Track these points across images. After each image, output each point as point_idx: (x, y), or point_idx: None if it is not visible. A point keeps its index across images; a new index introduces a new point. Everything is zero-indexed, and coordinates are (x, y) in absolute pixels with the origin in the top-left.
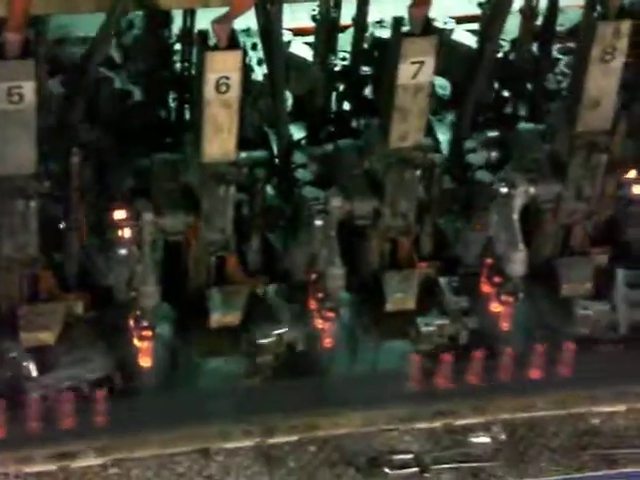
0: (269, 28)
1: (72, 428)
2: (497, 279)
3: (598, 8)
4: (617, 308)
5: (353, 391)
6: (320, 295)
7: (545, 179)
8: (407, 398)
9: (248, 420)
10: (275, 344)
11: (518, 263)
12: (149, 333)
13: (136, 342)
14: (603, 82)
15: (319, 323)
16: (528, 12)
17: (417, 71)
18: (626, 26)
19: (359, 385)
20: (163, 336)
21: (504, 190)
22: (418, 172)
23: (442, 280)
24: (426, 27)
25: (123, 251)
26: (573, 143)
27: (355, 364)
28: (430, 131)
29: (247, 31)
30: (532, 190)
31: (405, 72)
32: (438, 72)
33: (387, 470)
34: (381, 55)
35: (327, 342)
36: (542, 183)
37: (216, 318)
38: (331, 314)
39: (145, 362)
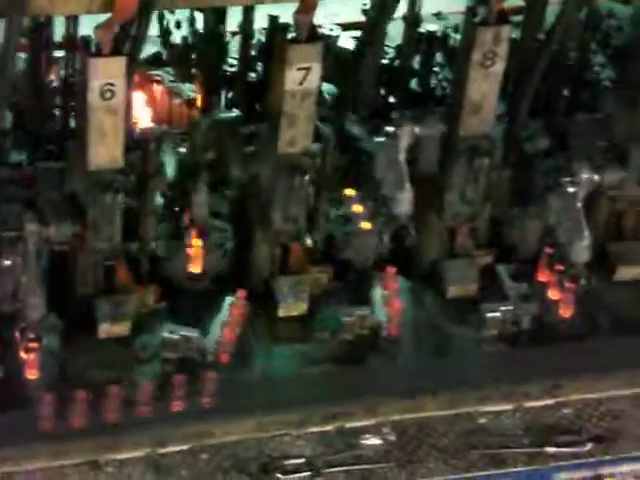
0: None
1: None
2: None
3: (478, 13)
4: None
5: (246, 397)
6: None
7: None
8: (300, 403)
9: (139, 430)
10: None
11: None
12: (35, 345)
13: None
14: (484, 87)
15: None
16: (411, 19)
17: (304, 77)
18: (506, 31)
19: (252, 391)
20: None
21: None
22: (307, 177)
23: None
24: (312, 33)
25: (7, 262)
26: (455, 147)
27: (248, 370)
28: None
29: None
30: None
31: (292, 78)
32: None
33: (279, 475)
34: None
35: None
36: None
37: (104, 329)
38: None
39: (31, 374)
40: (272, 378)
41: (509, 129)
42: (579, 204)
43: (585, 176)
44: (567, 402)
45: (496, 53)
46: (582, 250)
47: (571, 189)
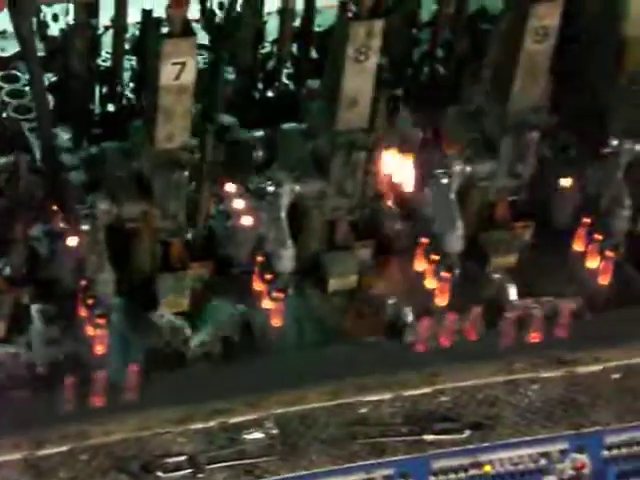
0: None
1: None
2: (268, 276)
3: (351, 8)
4: None
5: (125, 396)
6: (90, 302)
7: (309, 177)
8: (181, 400)
9: (17, 432)
10: None
11: (286, 259)
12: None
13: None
14: (359, 81)
15: (90, 330)
16: (286, 13)
17: (179, 72)
18: (379, 26)
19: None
20: None
21: (271, 189)
22: (186, 172)
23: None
24: (186, 28)
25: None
26: (334, 141)
27: (127, 369)
28: None
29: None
30: (297, 188)
31: (167, 73)
32: None
33: (160, 474)
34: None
35: (98, 349)
36: (307, 181)
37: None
38: (102, 320)
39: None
40: (152, 376)
41: None
42: (452, 195)
43: (457, 168)
44: (444, 390)
45: (370, 47)
46: (455, 240)
47: (444, 180)
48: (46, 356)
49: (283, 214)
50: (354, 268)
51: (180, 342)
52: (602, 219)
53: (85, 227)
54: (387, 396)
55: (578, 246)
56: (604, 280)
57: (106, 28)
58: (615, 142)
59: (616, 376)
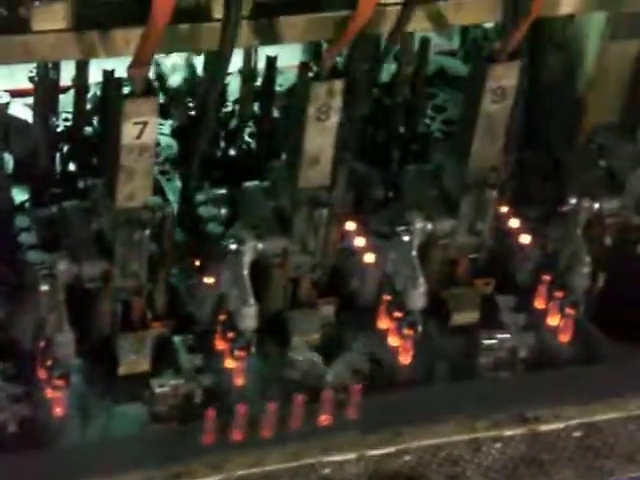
0: None
1: None
2: (230, 335)
3: (312, 68)
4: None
5: (84, 461)
6: (49, 363)
7: (272, 235)
8: (142, 463)
9: None
10: None
11: (249, 318)
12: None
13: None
14: (320, 140)
15: (49, 393)
16: (247, 73)
17: (140, 131)
18: (339, 85)
19: (90, 454)
20: None
21: (233, 247)
22: (147, 232)
23: (176, 339)
24: (147, 88)
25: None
26: (296, 199)
27: (87, 432)
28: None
29: None
30: (260, 246)
31: (128, 132)
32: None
33: None
34: (104, 115)
35: (57, 411)
36: (269, 239)
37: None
38: (61, 382)
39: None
40: (112, 439)
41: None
42: (414, 252)
43: (419, 225)
44: (408, 449)
45: (330, 107)
46: (418, 297)
47: (406, 237)
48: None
49: (245, 272)
50: (317, 325)
51: None
52: (562, 276)
53: (44, 287)
54: (351, 456)
55: (538, 303)
56: (565, 337)
57: (67, 88)
58: (573, 200)
59: (578, 434)
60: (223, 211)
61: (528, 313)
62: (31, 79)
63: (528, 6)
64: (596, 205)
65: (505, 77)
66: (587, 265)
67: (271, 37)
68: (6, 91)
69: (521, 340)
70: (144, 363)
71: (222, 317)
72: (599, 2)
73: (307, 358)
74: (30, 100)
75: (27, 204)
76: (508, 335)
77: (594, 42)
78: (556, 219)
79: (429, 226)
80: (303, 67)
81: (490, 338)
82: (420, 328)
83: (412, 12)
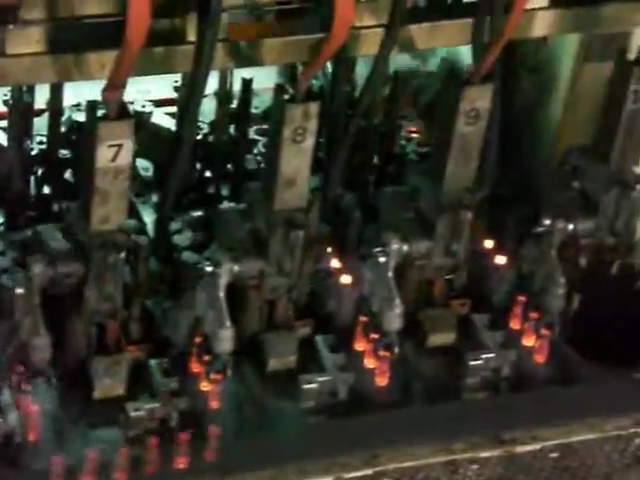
0: None
1: None
2: (206, 357)
3: (288, 90)
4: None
5: None
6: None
7: (248, 257)
8: None
9: None
10: None
11: (225, 340)
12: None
13: None
14: (296, 162)
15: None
16: (223, 95)
17: (115, 154)
18: (314, 108)
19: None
20: None
21: (209, 269)
22: (122, 254)
23: (152, 362)
24: (122, 111)
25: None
26: (272, 221)
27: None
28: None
29: None
30: (236, 268)
31: (103, 155)
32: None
33: None
34: (78, 138)
35: (31, 436)
36: (245, 261)
37: None
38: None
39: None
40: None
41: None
42: (390, 273)
43: (395, 246)
44: (385, 471)
45: (306, 129)
46: (394, 318)
47: (382, 259)
48: None
49: (222, 294)
50: (294, 347)
51: None
52: (537, 297)
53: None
54: (328, 479)
55: (514, 324)
56: (540, 358)
57: (42, 111)
58: (548, 221)
59: (554, 455)
60: (198, 234)
61: (505, 333)
62: (5, 102)
63: (500, 28)
64: (570, 226)
65: (479, 99)
66: (562, 286)
67: (246, 59)
68: None
69: (504, 357)
70: (119, 387)
71: (198, 340)
72: (572, 24)
73: None
74: (4, 123)
75: (1, 227)
76: (492, 355)
77: (567, 64)
78: (530, 240)
79: (405, 247)
80: (279, 89)
81: (476, 359)
82: (397, 350)
83: (397, 35)
